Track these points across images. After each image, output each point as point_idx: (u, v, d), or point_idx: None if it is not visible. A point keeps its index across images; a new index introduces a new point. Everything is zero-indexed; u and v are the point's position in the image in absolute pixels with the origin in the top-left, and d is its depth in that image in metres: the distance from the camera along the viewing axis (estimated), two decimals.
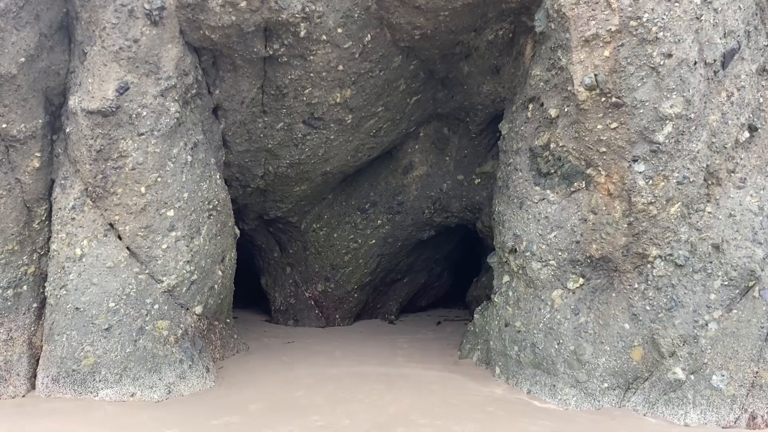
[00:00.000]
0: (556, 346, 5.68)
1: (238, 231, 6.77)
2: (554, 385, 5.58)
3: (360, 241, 8.29)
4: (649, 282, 5.37)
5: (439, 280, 10.29)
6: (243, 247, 8.92)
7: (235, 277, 6.71)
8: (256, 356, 6.89)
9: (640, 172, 5.31)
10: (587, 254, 5.65)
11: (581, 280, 5.76)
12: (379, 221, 8.28)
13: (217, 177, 6.18)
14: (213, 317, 6.36)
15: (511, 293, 6.29)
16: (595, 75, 5.20)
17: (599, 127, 5.41)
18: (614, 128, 5.34)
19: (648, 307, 5.35)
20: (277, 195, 7.86)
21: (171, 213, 5.64)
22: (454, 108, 7.60)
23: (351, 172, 7.97)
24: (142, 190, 5.50)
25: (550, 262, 5.85)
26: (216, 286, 6.16)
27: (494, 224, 6.70)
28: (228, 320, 7.03)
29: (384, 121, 7.26)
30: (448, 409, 5.23)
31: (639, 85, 5.12)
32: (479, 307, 7.17)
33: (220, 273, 6.19)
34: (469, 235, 9.42)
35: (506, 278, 6.43)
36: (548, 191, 5.91)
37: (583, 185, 5.68)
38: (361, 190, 8.22)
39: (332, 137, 7.08)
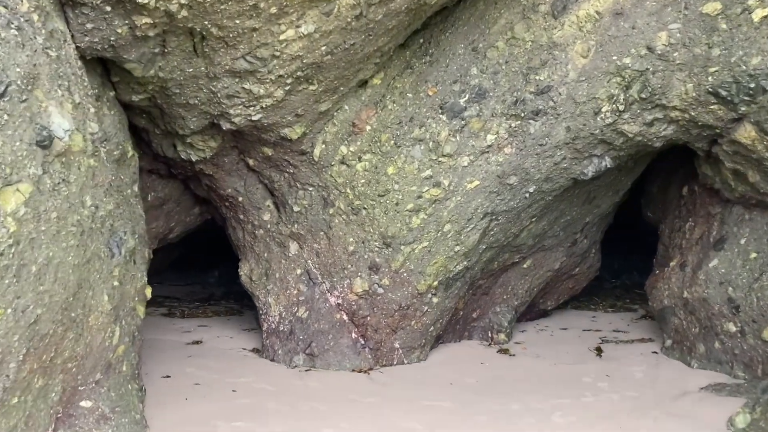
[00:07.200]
0: None
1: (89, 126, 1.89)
2: None
3: (446, 181, 3.78)
4: None
5: (582, 264, 5.76)
6: (208, 203, 4.34)
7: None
8: None
9: None
10: None
11: None
12: (490, 135, 3.93)
13: None
14: None
15: None
16: None
17: None
18: None
19: None
20: (239, 51, 2.95)
21: None
22: None
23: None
24: None
25: None
26: None
27: None
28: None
29: None
30: None
31: None
32: None
33: None
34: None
35: None
36: None
37: None
38: (454, 58, 3.52)
39: None
